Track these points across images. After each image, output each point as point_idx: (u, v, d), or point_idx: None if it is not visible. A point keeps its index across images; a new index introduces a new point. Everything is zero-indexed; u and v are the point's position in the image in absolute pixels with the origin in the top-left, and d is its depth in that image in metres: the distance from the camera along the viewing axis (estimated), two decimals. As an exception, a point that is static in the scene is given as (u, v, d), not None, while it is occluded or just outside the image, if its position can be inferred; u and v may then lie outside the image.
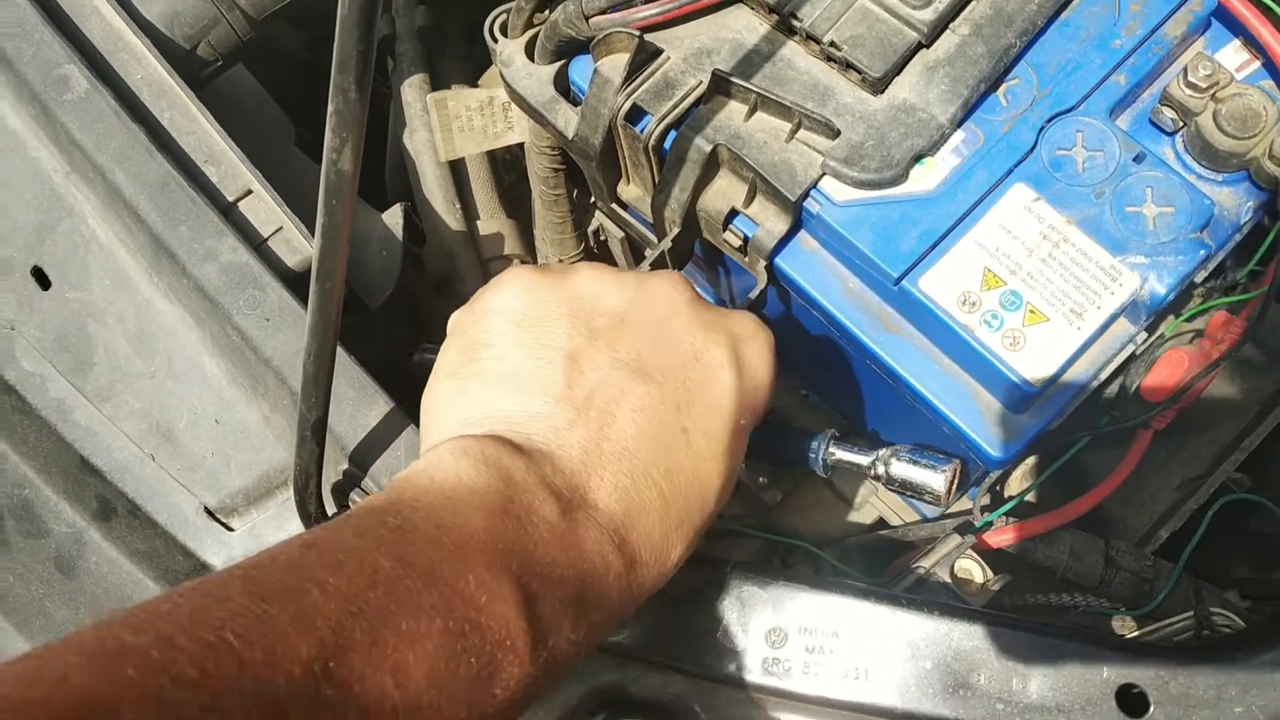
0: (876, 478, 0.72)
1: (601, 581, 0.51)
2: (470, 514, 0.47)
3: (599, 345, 0.57)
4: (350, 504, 0.72)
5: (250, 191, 0.79)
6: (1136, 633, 0.81)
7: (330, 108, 0.45)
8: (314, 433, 0.61)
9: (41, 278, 0.79)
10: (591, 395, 0.56)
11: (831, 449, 0.73)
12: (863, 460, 0.72)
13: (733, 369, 0.59)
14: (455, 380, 0.58)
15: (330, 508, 0.70)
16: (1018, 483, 0.90)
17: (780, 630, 0.66)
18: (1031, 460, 0.89)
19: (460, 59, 1.09)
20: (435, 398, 0.58)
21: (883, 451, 0.71)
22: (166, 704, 0.33)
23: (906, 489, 0.71)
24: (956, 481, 0.70)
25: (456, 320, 0.61)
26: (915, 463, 0.70)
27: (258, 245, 0.77)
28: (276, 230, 0.78)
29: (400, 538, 0.44)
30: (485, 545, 0.46)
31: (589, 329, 0.58)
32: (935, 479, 0.69)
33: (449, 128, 0.90)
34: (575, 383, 0.56)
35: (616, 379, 0.56)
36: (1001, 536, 0.83)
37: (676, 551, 0.57)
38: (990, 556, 0.82)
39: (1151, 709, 0.61)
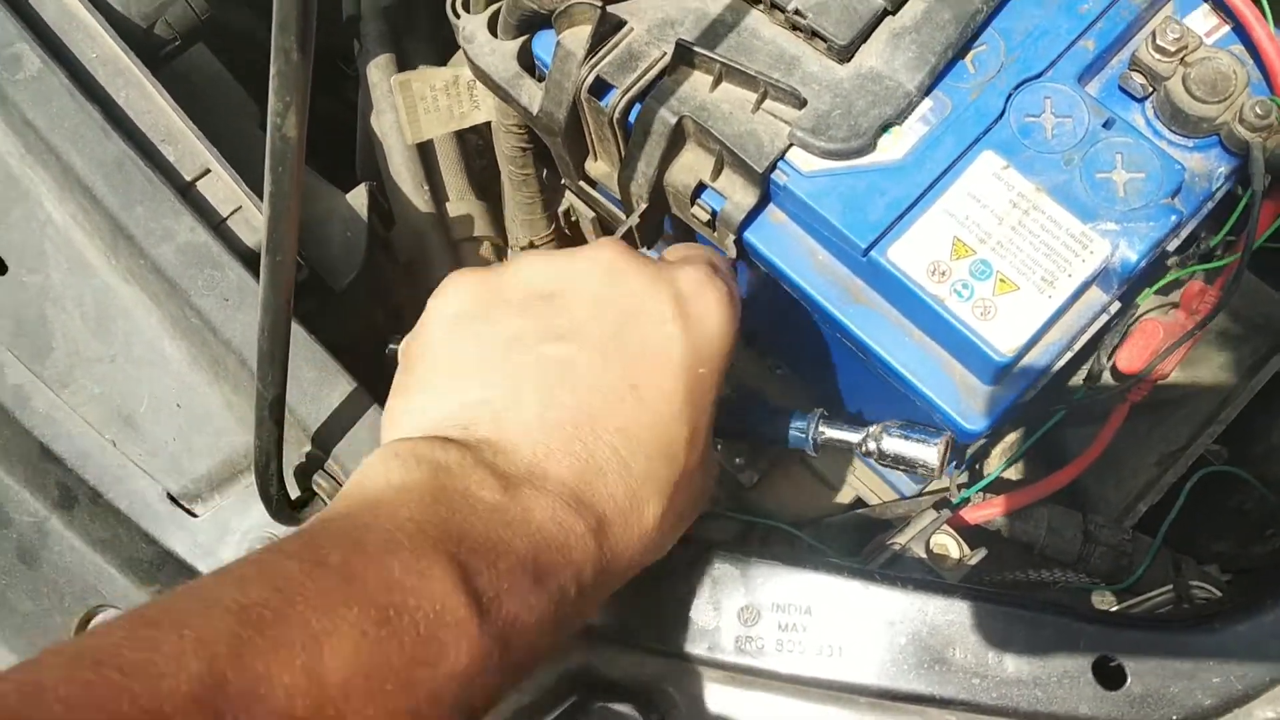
0: (867, 454, 0.71)
1: (560, 543, 0.50)
2: (396, 510, 0.47)
3: (533, 325, 0.57)
4: (314, 486, 0.71)
5: (209, 171, 0.77)
6: (1116, 607, 0.80)
7: (272, 69, 0.44)
8: (272, 411, 0.59)
9: (-2, 263, 0.78)
10: (527, 372, 0.55)
11: (821, 428, 0.72)
12: (853, 437, 0.71)
13: (676, 321, 0.58)
14: (399, 396, 0.58)
15: (293, 490, 0.69)
16: (994, 459, 0.89)
17: (753, 608, 0.65)
18: (1009, 436, 0.88)
19: (427, 39, 1.08)
20: (388, 409, 0.59)
21: (873, 428, 0.71)
22: None
23: (899, 464, 0.69)
24: (949, 452, 0.69)
25: (406, 340, 0.61)
26: (907, 437, 0.69)
27: (216, 225, 0.75)
28: (235, 210, 0.76)
29: (312, 543, 0.44)
30: (412, 535, 0.45)
31: (522, 311, 0.57)
32: (928, 452, 0.68)
33: (414, 109, 0.88)
34: (510, 364, 0.55)
35: (553, 350, 0.55)
36: (979, 513, 0.83)
37: (651, 509, 0.55)
38: (968, 533, 0.81)
39: (1129, 680, 0.61)
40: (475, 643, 0.44)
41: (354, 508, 0.47)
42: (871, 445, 0.70)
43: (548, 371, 0.55)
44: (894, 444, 0.69)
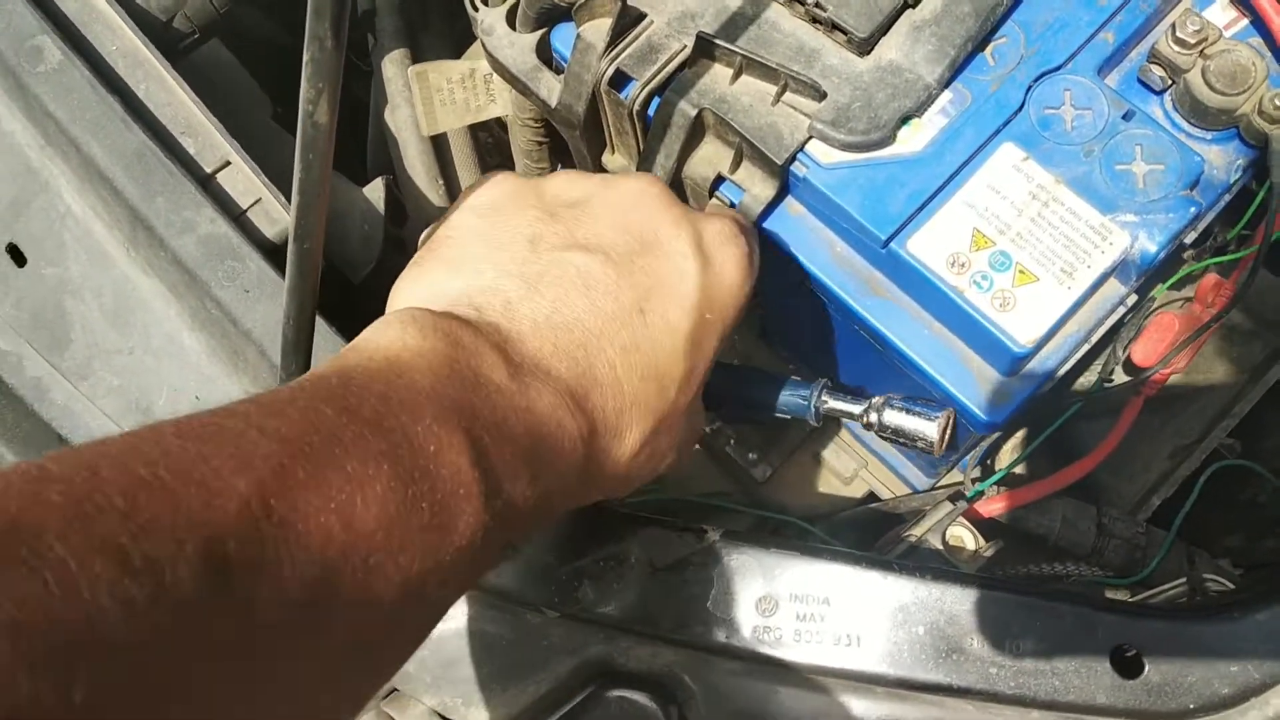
0: (868, 425, 0.71)
1: (556, 441, 0.51)
2: (415, 374, 0.46)
3: (557, 228, 0.57)
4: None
5: (228, 163, 0.77)
6: (1130, 600, 0.80)
7: (305, 56, 0.44)
8: (294, 401, 0.59)
9: (17, 255, 0.78)
10: (545, 271, 0.55)
11: (824, 397, 0.72)
12: (855, 408, 0.71)
13: (696, 259, 0.58)
14: (416, 268, 0.59)
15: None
16: (1009, 452, 0.89)
17: (771, 598, 0.65)
18: (1022, 430, 0.88)
19: (442, 34, 1.08)
20: (396, 285, 0.59)
21: (875, 399, 0.71)
22: (93, 530, 0.31)
23: (899, 437, 0.70)
24: (950, 430, 0.69)
25: (432, 226, 0.63)
26: (908, 411, 0.69)
27: (236, 216, 0.76)
28: (255, 201, 0.76)
29: (344, 391, 0.43)
30: (431, 400, 0.45)
31: (550, 214, 0.58)
32: (928, 426, 0.68)
33: (430, 101, 0.89)
34: (530, 260, 0.56)
35: (573, 258, 0.56)
36: (993, 505, 0.83)
37: (632, 435, 0.56)
38: (982, 526, 0.81)
39: (1146, 669, 0.61)
40: (480, 519, 0.44)
41: (375, 364, 0.47)
42: (873, 417, 0.70)
43: (565, 274, 0.55)
44: (895, 416, 0.69)
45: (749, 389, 0.74)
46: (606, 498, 0.60)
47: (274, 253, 0.74)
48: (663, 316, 0.57)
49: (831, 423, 0.93)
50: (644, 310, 0.56)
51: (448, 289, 0.55)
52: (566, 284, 0.55)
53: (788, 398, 0.73)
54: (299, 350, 0.57)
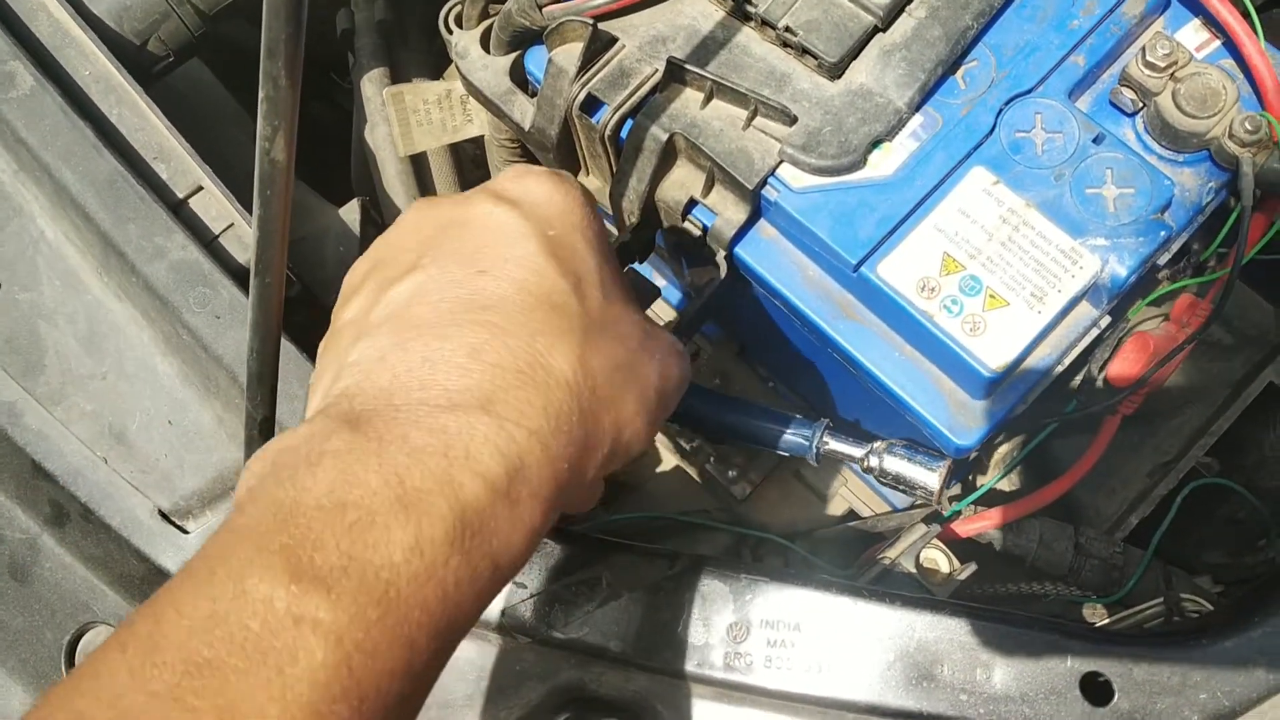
0: (868, 470, 0.71)
1: (440, 451, 0.45)
2: (223, 532, 0.44)
3: (373, 284, 0.55)
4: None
5: (200, 188, 0.77)
6: (1107, 620, 0.80)
7: (260, 94, 0.44)
8: (262, 431, 0.59)
9: (-10, 280, 0.78)
10: (382, 319, 0.52)
11: (825, 439, 0.72)
12: (856, 452, 0.71)
13: (497, 204, 0.55)
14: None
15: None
16: (986, 472, 0.89)
17: (742, 624, 0.65)
18: (1000, 449, 0.88)
19: (421, 53, 1.08)
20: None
21: (876, 444, 0.71)
22: None
23: (899, 484, 0.70)
24: (948, 479, 0.69)
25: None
26: (911, 459, 0.69)
27: (208, 242, 0.76)
28: (228, 227, 0.76)
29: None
30: (233, 554, 0.42)
31: (368, 285, 0.56)
32: (929, 476, 0.69)
33: (406, 122, 0.89)
34: (370, 324, 0.53)
35: (397, 289, 0.53)
36: (970, 526, 0.83)
37: (559, 355, 0.51)
38: (959, 546, 0.81)
39: (1116, 697, 0.61)
40: (327, 637, 0.40)
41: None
42: (873, 462, 0.70)
43: (396, 305, 0.52)
44: (895, 464, 0.70)
45: (750, 424, 0.74)
46: (629, 419, 0.54)
47: (246, 278, 0.73)
48: (501, 259, 0.53)
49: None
50: (482, 270, 0.53)
51: (319, 389, 0.54)
52: (400, 310, 0.52)
53: (790, 437, 0.73)
54: (264, 381, 0.57)
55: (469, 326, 0.50)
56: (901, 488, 0.70)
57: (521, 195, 0.57)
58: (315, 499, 0.43)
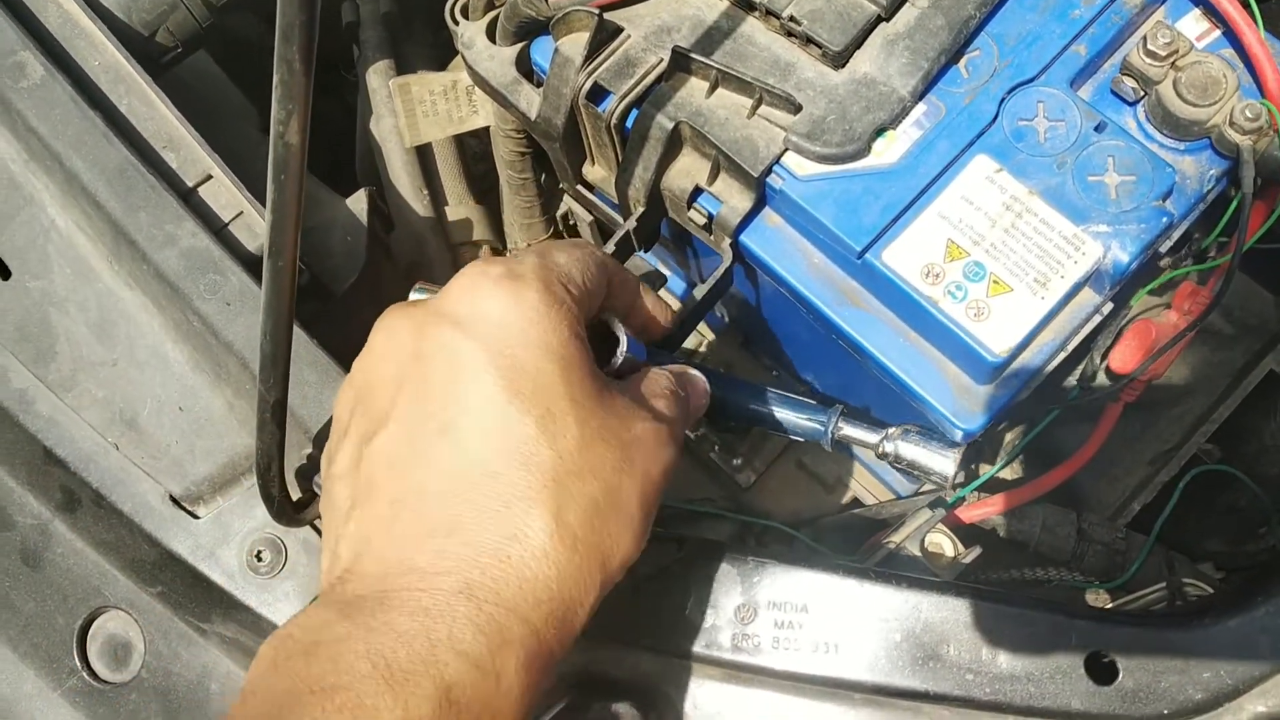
0: (883, 455, 0.71)
1: (421, 633, 0.48)
2: None
3: (352, 438, 0.57)
4: (315, 488, 0.72)
5: (210, 176, 0.78)
6: (1110, 605, 0.81)
7: (275, 78, 0.45)
8: (274, 414, 0.60)
9: (1, 268, 0.79)
10: (359, 491, 0.55)
11: (840, 424, 0.72)
12: (871, 438, 0.72)
13: (453, 332, 0.54)
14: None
15: (294, 492, 0.69)
16: (989, 459, 0.90)
17: (749, 606, 0.66)
18: (1004, 436, 0.89)
19: (426, 44, 1.09)
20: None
21: (891, 429, 0.71)
22: None
23: (914, 469, 0.70)
24: (962, 464, 0.70)
25: None
26: (925, 444, 0.70)
27: (218, 230, 0.76)
28: (237, 215, 0.77)
29: None
30: None
31: (360, 431, 0.57)
32: (944, 462, 0.69)
33: (413, 113, 0.89)
34: (349, 493, 0.56)
35: (368, 450, 0.55)
36: (974, 512, 0.83)
37: (533, 516, 0.51)
38: (963, 532, 0.82)
39: (1120, 675, 0.61)
40: None
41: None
42: (888, 447, 0.70)
43: (376, 469, 0.54)
44: (911, 449, 0.70)
45: (767, 409, 0.74)
46: (617, 553, 0.55)
47: (256, 265, 0.75)
48: (462, 409, 0.53)
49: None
50: (443, 427, 0.53)
51: (322, 569, 0.57)
52: (371, 479, 0.54)
53: (805, 422, 0.73)
54: (277, 364, 0.57)
55: (446, 502, 0.51)
56: (916, 473, 0.70)
57: (475, 317, 0.54)
58: (309, 686, 0.46)
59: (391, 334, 0.57)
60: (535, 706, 0.51)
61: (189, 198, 0.77)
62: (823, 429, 0.73)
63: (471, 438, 0.52)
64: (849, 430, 0.72)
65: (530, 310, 0.54)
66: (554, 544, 0.51)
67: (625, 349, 0.62)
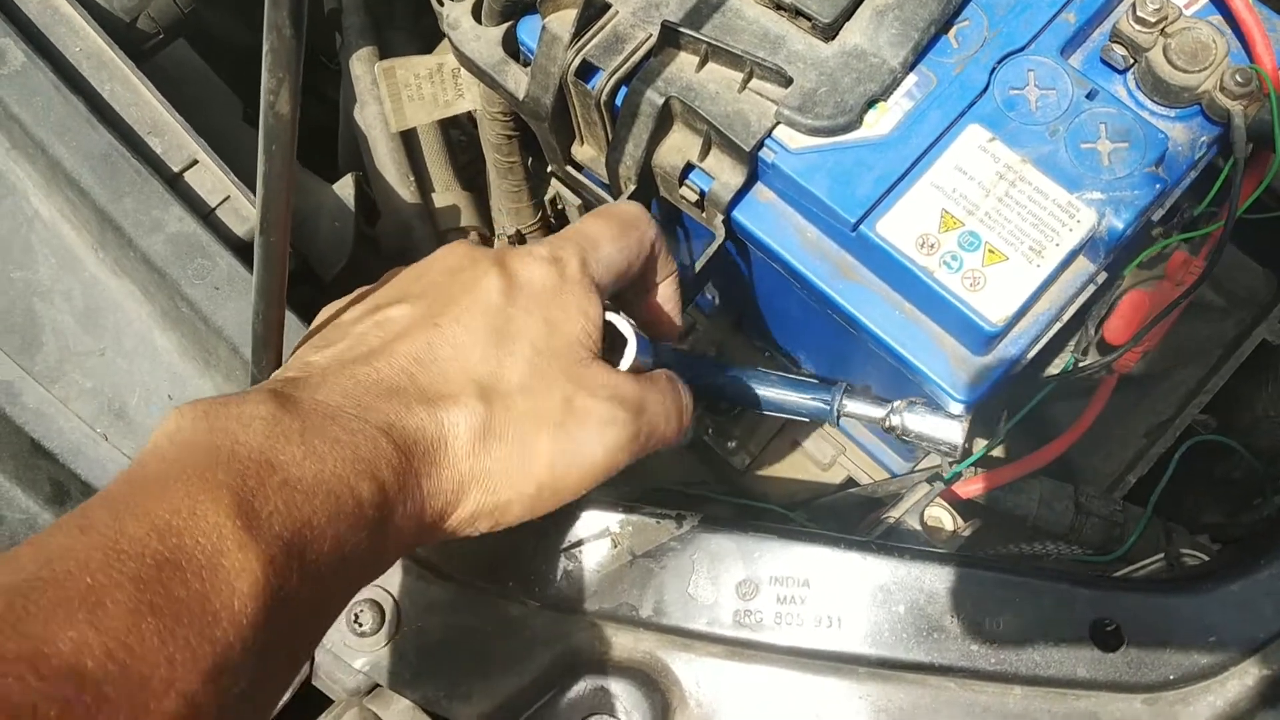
0: (889, 429, 0.71)
1: (350, 450, 0.50)
2: (165, 454, 0.48)
3: (362, 308, 0.61)
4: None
5: (196, 161, 0.77)
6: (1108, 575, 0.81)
7: (265, 46, 0.44)
8: (267, 397, 0.59)
9: (-16, 259, 0.78)
10: (353, 334, 0.58)
11: (845, 402, 0.72)
12: (877, 412, 0.71)
13: (488, 269, 0.60)
14: None
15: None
16: (985, 432, 0.89)
17: (751, 582, 0.65)
18: (1000, 410, 0.89)
19: (408, 31, 1.08)
20: None
21: (896, 403, 0.71)
22: None
23: (921, 440, 0.70)
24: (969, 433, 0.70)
25: None
26: (932, 415, 0.69)
27: (205, 215, 0.75)
28: (224, 199, 0.76)
29: (81, 513, 0.45)
30: (178, 474, 0.46)
31: (365, 311, 0.61)
32: (952, 430, 0.69)
33: (398, 97, 0.88)
34: (343, 331, 0.59)
35: (381, 315, 0.59)
36: (971, 487, 0.83)
37: (459, 413, 0.55)
38: (960, 507, 0.81)
39: (1125, 642, 0.61)
40: (259, 558, 0.44)
41: (131, 467, 0.48)
42: (895, 421, 0.70)
43: (367, 328, 0.58)
44: (918, 421, 0.70)
45: (769, 392, 0.74)
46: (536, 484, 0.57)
47: (244, 250, 0.74)
48: (454, 318, 0.57)
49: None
50: (437, 321, 0.57)
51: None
52: (366, 332, 0.58)
53: (808, 402, 0.73)
54: (269, 346, 0.56)
55: (397, 366, 0.55)
56: (924, 445, 0.70)
57: (517, 269, 0.60)
58: (249, 453, 0.47)
59: (449, 252, 0.63)
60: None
61: (175, 183, 0.76)
62: (828, 408, 0.72)
63: (449, 340, 0.57)
64: (854, 407, 0.72)
65: (556, 291, 0.59)
66: (463, 446, 0.55)
67: (634, 351, 0.62)
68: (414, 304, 0.59)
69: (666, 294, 0.69)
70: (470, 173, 1.10)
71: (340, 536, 0.48)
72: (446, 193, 1.03)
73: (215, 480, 0.45)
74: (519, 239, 1.03)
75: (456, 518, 0.55)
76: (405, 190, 0.99)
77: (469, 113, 0.94)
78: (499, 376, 0.56)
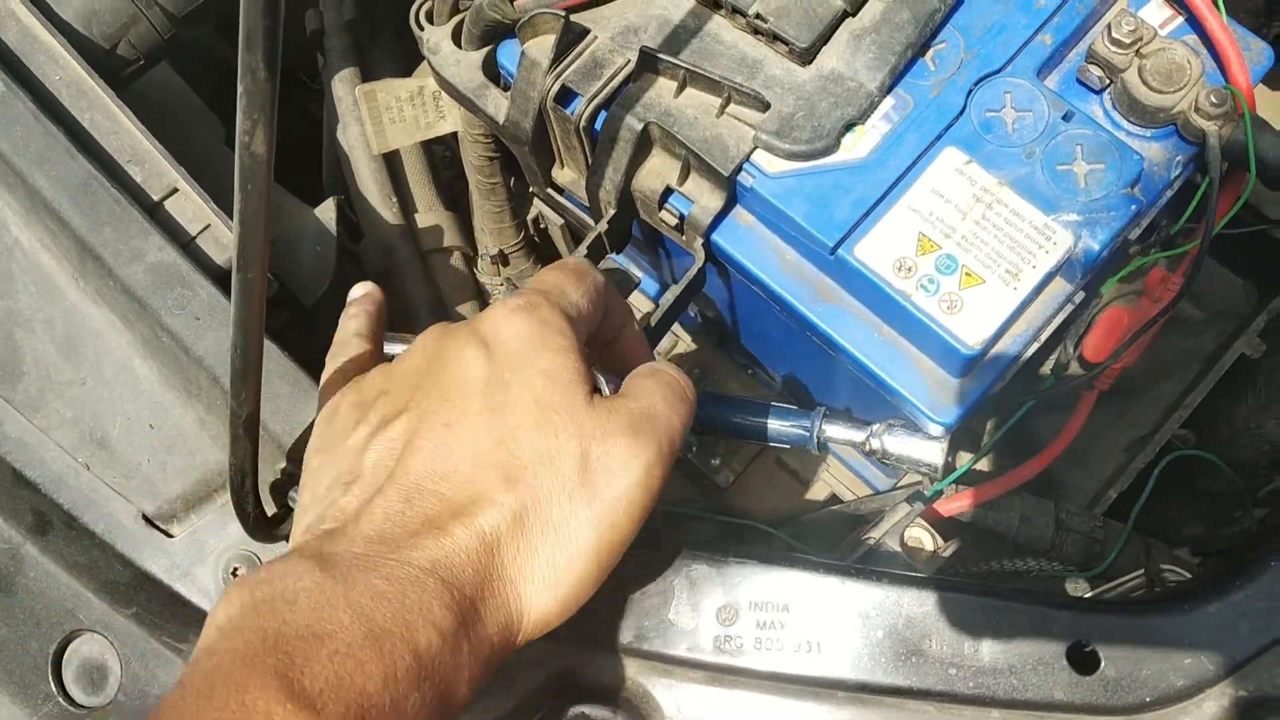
0: (870, 452, 0.71)
1: (397, 599, 0.50)
2: (216, 646, 0.48)
3: (373, 415, 0.60)
4: (290, 502, 0.71)
5: (176, 190, 0.77)
6: (1089, 594, 0.81)
7: (240, 88, 0.44)
8: (246, 429, 0.59)
9: (-36, 289, 0.77)
10: (365, 457, 0.58)
11: (824, 427, 0.72)
12: (857, 436, 0.71)
13: (476, 347, 0.58)
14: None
15: (269, 507, 0.69)
16: (965, 451, 0.90)
17: (731, 607, 0.65)
18: (981, 428, 0.89)
19: (391, 51, 1.08)
20: None
21: (875, 426, 0.71)
22: None
23: (902, 463, 0.70)
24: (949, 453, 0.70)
25: None
26: (911, 437, 0.70)
27: (185, 244, 0.75)
28: (204, 228, 0.76)
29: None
30: (228, 664, 0.46)
31: (359, 405, 0.62)
32: (932, 452, 0.69)
33: (380, 120, 0.89)
34: (353, 452, 0.59)
35: (388, 430, 0.58)
36: (953, 504, 0.84)
37: (486, 514, 0.54)
38: (942, 524, 0.82)
39: (1102, 664, 0.61)
40: None
41: (190, 668, 0.48)
42: (875, 444, 0.70)
43: (380, 454, 0.57)
44: (898, 443, 0.70)
45: (746, 419, 0.74)
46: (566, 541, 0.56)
47: (224, 279, 0.74)
48: (461, 410, 0.57)
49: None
50: (448, 424, 0.56)
51: (302, 521, 0.59)
52: (383, 452, 0.57)
53: (788, 429, 0.73)
54: (248, 378, 0.56)
55: (429, 490, 0.54)
56: (904, 466, 0.70)
57: (494, 335, 0.59)
58: (296, 630, 0.47)
59: (423, 340, 0.63)
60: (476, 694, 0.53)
61: (155, 212, 0.76)
62: (807, 434, 0.72)
63: (457, 437, 0.56)
64: (833, 431, 0.72)
65: (539, 338, 0.59)
66: (507, 547, 0.54)
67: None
68: (410, 411, 0.58)
69: (632, 333, 0.68)
70: (455, 189, 1.10)
71: (400, 698, 0.47)
72: (429, 213, 1.03)
73: (264, 666, 0.45)
74: (502, 259, 1.03)
75: (523, 631, 0.55)
76: (388, 211, 0.99)
77: (451, 133, 0.94)
78: (514, 454, 0.55)
